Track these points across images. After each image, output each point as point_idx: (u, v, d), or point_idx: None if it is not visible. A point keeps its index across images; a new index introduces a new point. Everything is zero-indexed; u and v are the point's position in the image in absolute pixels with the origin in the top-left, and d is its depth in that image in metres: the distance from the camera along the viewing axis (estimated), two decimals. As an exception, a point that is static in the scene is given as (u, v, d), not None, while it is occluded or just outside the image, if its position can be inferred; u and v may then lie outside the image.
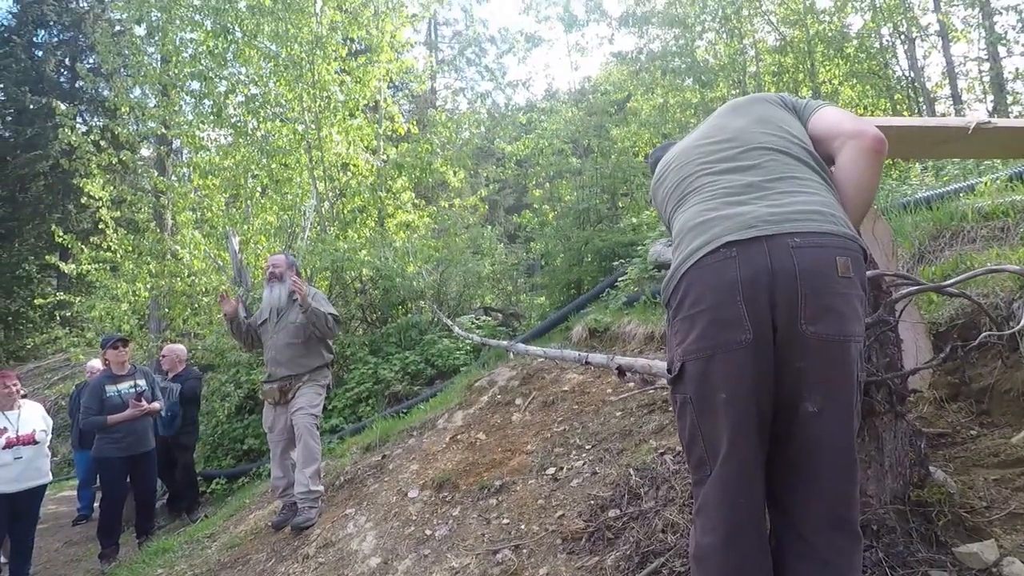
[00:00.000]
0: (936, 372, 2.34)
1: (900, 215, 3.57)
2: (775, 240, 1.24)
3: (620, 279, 5.70)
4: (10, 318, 18.33)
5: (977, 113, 10.22)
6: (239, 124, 9.46)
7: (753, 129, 1.49)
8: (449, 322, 7.18)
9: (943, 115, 10.06)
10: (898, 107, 9.97)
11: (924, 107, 9.85)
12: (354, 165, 9.70)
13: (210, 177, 9.86)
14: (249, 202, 9.79)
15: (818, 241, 1.24)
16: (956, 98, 10.06)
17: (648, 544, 2.03)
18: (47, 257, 13.00)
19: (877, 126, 1.46)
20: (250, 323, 4.27)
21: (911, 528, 1.62)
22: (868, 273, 1.35)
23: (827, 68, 10.22)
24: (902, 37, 9.94)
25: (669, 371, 1.38)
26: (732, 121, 1.55)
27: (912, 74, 9.96)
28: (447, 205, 10.74)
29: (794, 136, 1.47)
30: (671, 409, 1.47)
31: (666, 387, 3.39)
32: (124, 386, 5.03)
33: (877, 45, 10.24)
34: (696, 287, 1.29)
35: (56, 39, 20.76)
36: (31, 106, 18.64)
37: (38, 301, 13.05)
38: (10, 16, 20.23)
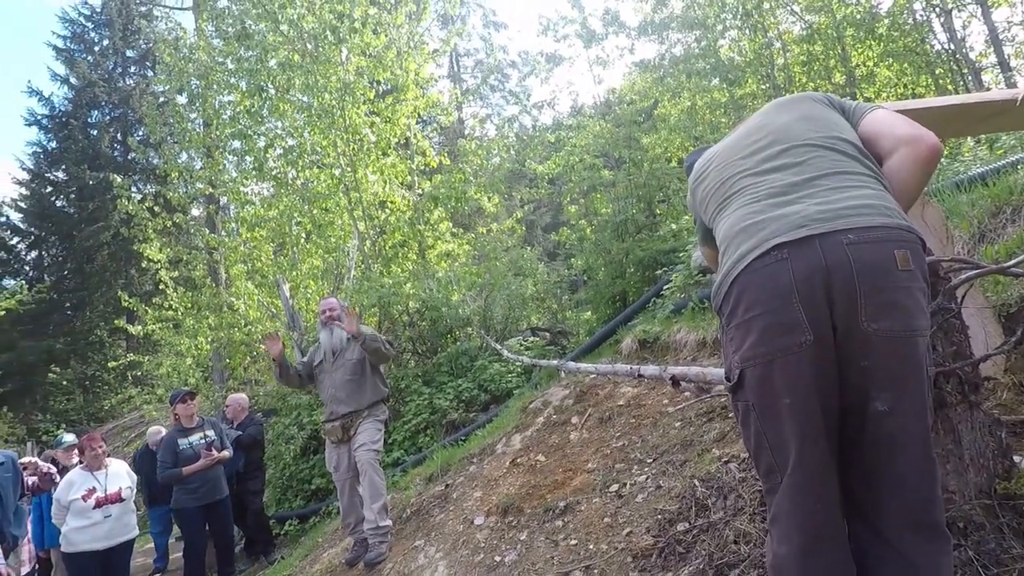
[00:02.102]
0: (1011, 356, 2.22)
1: (953, 195, 3.42)
2: (828, 238, 1.20)
3: (665, 287, 5.64)
4: (87, 382, 19.40)
5: (1024, 80, 9.71)
6: (279, 175, 9.87)
7: (797, 127, 1.45)
8: (498, 346, 7.22)
9: (989, 86, 9.59)
10: (940, 82, 9.59)
11: (970, 79, 9.43)
12: (391, 202, 9.96)
13: (257, 229, 10.29)
14: (295, 249, 10.15)
15: (874, 236, 1.21)
16: (1004, 65, 9.57)
17: (721, 556, 1.98)
18: (116, 321, 13.82)
19: (916, 108, 1.43)
20: (302, 363, 4.41)
21: (1001, 523, 1.53)
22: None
23: (859, 51, 9.94)
24: (937, 10, 9.59)
25: (727, 379, 1.34)
26: (774, 119, 1.51)
27: (952, 46, 9.57)
28: (485, 231, 10.88)
29: (840, 132, 1.42)
30: (733, 417, 1.46)
31: (723, 394, 3.32)
32: (195, 438, 5.26)
33: (911, 21, 9.90)
34: (749, 292, 1.26)
35: (108, 117, 22.18)
36: (91, 182, 19.91)
37: (111, 364, 13.81)
38: (66, 102, 21.77)
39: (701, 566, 2.03)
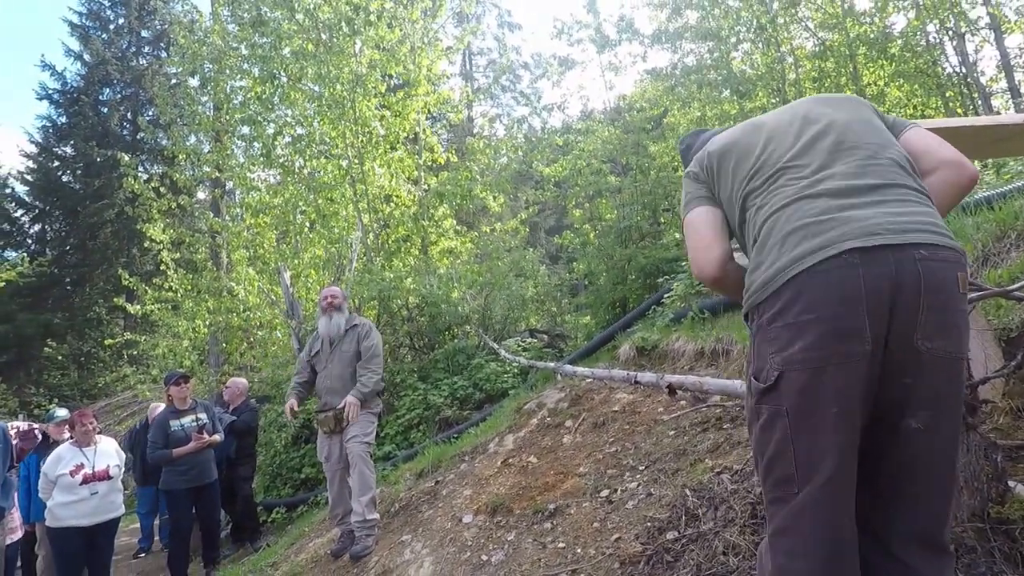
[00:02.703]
0: (1010, 381, 2.21)
1: (959, 216, 3.42)
2: (901, 251, 1.17)
3: (666, 296, 5.63)
4: (83, 358, 19.39)
5: (1037, 106, 9.71)
6: (287, 163, 9.88)
7: (857, 128, 1.39)
8: (495, 346, 7.21)
9: (999, 111, 9.60)
10: (950, 104, 9.60)
11: (980, 103, 9.43)
12: (397, 196, 9.97)
13: (261, 215, 10.30)
14: (298, 237, 10.15)
15: (941, 255, 1.19)
16: (1014, 91, 9.59)
17: (709, 567, 1.97)
18: (115, 299, 13.78)
19: (929, 128, 1.42)
20: (303, 361, 4.40)
21: (993, 547, 1.53)
22: None
23: (871, 70, 9.94)
24: (950, 33, 9.59)
25: (757, 379, 1.26)
26: (831, 113, 1.43)
27: (963, 70, 9.58)
28: (488, 230, 10.89)
29: (895, 145, 1.39)
30: (749, 421, 1.31)
31: (719, 404, 3.31)
32: (187, 420, 5.24)
33: (923, 43, 9.91)
34: (809, 294, 1.18)
35: (119, 95, 22.20)
36: (98, 159, 19.93)
37: (108, 342, 13.82)
38: (79, 78, 21.79)
39: (689, 575, 2.02)
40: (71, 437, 4.84)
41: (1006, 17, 9.61)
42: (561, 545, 2.75)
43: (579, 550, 2.63)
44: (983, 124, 2.32)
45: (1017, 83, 9.56)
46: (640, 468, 3.14)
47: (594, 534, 2.71)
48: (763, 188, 1.37)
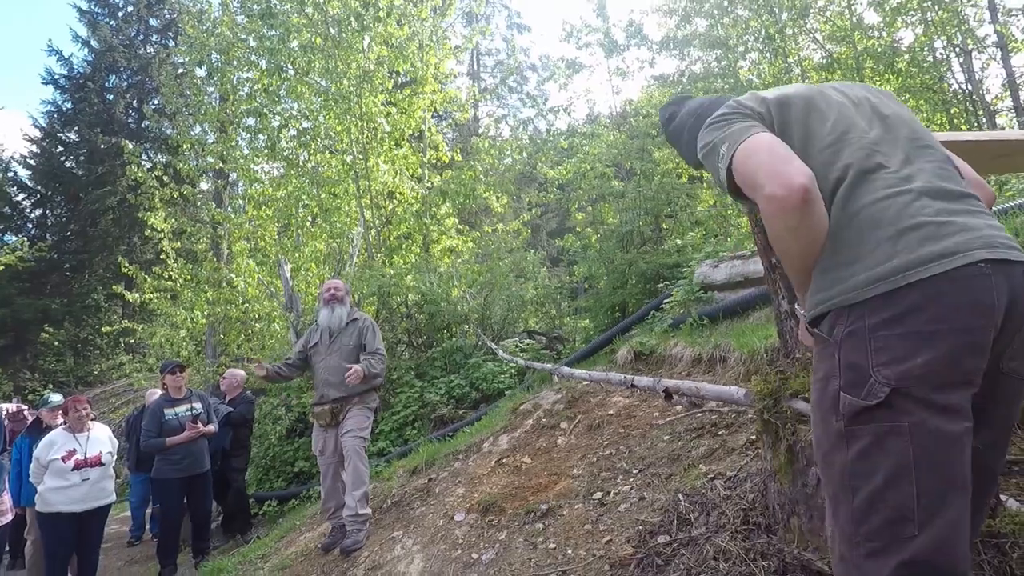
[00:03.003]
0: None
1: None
2: (1013, 267, 1.09)
3: (666, 301, 5.63)
4: (79, 345, 19.36)
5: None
6: (291, 156, 9.89)
7: (919, 126, 1.29)
8: (493, 345, 7.21)
9: (1003, 128, 9.63)
10: (955, 120, 9.62)
11: (984, 120, 9.46)
12: (400, 193, 9.98)
13: (263, 208, 10.31)
14: (300, 231, 10.16)
15: None
16: (1019, 110, 9.62)
17: (699, 572, 1.97)
18: (114, 287, 13.76)
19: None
20: (298, 351, 4.39)
21: (983, 560, 1.53)
22: None
23: (877, 84, 9.97)
24: (957, 50, 9.62)
25: (853, 395, 1.07)
26: (887, 102, 1.33)
27: (970, 87, 9.60)
28: (490, 230, 10.89)
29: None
30: (826, 450, 1.11)
31: (715, 410, 3.31)
32: (181, 409, 5.24)
33: (930, 59, 9.94)
34: (943, 301, 1.04)
35: (125, 83, 22.19)
36: (102, 146, 19.91)
37: (105, 329, 13.81)
38: (85, 64, 21.80)
39: (678, 579, 2.02)
40: (64, 423, 4.83)
41: (1013, 36, 9.64)
42: (552, 546, 2.74)
43: (570, 551, 2.63)
44: (985, 139, 2.33)
45: (1022, 102, 9.58)
46: (634, 472, 3.14)
47: (585, 536, 2.71)
48: (836, 166, 1.20)
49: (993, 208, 1.47)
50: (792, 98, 1.31)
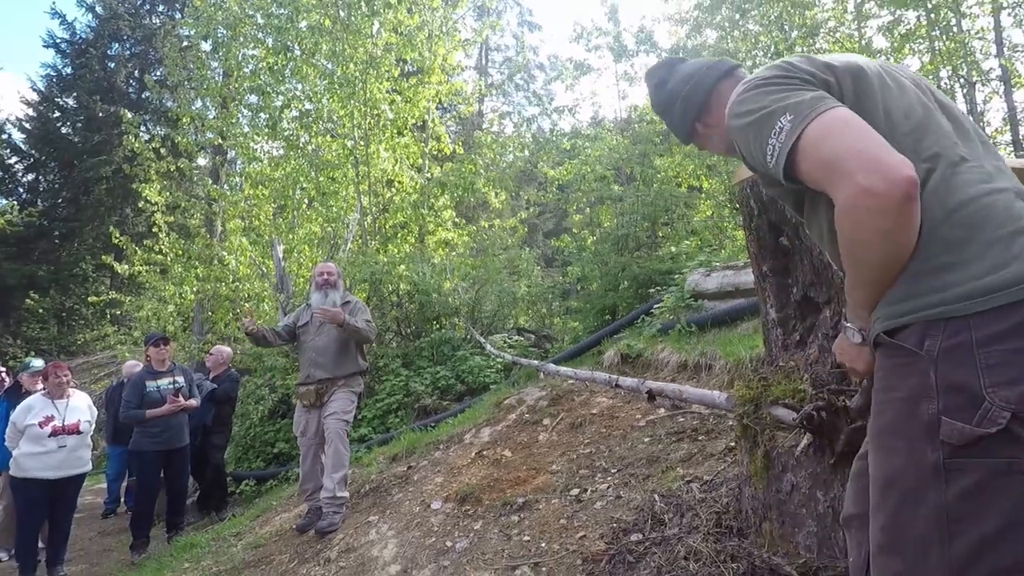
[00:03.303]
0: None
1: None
2: None
3: (656, 306, 5.66)
4: (64, 314, 19.21)
5: (1037, 157, 9.86)
6: (292, 137, 9.84)
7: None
8: (482, 340, 7.22)
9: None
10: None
11: (982, 151, 9.55)
12: (399, 182, 9.96)
13: (260, 187, 10.25)
14: (295, 213, 10.11)
15: None
16: (1017, 144, 9.74)
17: (669, 570, 1.99)
18: (103, 257, 13.64)
19: None
20: (286, 325, 4.37)
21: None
22: None
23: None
24: (962, 80, 9.71)
25: (960, 420, 0.88)
26: (938, 92, 1.17)
27: (971, 119, 9.71)
28: (487, 225, 10.89)
29: None
30: (911, 484, 0.93)
31: (697, 413, 3.34)
32: (163, 382, 5.20)
33: (935, 87, 10.03)
34: None
35: (128, 52, 22.00)
36: (100, 114, 19.73)
37: (92, 299, 13.68)
38: (88, 30, 21.58)
39: (649, 577, 2.03)
40: (44, 388, 4.79)
41: (1017, 71, 9.75)
42: (526, 538, 2.75)
43: (543, 544, 2.64)
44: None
45: (1021, 137, 9.69)
46: (612, 471, 3.16)
47: (560, 530, 2.72)
48: (925, 151, 1.02)
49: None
50: (865, 69, 1.09)
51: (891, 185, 0.88)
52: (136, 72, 21.71)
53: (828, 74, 1.07)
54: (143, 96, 20.72)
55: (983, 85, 9.90)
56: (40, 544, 4.75)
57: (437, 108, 11.07)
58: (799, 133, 0.97)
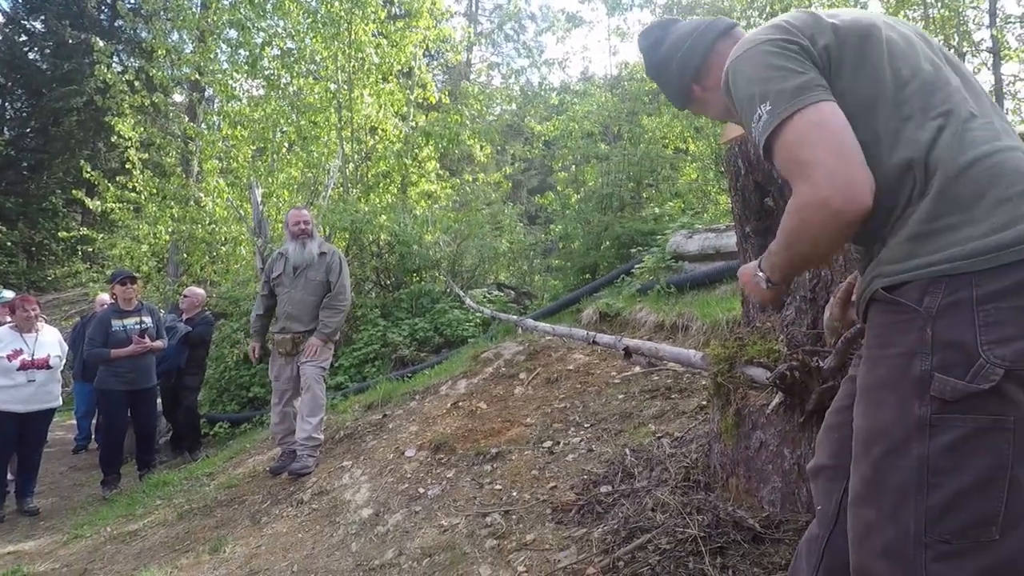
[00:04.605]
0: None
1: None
2: None
3: (636, 267, 5.68)
4: (33, 248, 18.65)
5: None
6: (272, 77, 9.47)
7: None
8: (461, 293, 7.21)
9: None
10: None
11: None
12: (382, 130, 9.69)
13: (239, 127, 9.90)
14: (275, 156, 9.82)
15: None
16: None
17: (636, 520, 2.04)
18: (74, 192, 13.16)
19: None
20: (264, 304, 4.34)
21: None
22: None
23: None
24: (952, 51, 9.68)
25: (953, 376, 0.89)
26: (954, 62, 1.14)
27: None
28: (471, 179, 10.72)
29: None
30: (900, 438, 0.93)
31: (672, 371, 3.38)
32: (130, 322, 5.08)
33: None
34: None
35: (100, -25, 20.81)
36: (70, 40, 18.71)
37: (62, 234, 13.29)
38: (56, -51, 20.28)
39: (616, 527, 2.09)
40: (11, 321, 4.69)
41: (1007, 43, 9.73)
42: (498, 487, 2.81)
43: (515, 493, 2.70)
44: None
45: (1007, 110, 9.75)
46: (585, 425, 3.21)
47: (531, 480, 2.77)
48: (916, 115, 1.01)
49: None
50: (872, 28, 1.08)
51: (847, 203, 0.92)
52: (108, -3, 20.58)
53: (824, 36, 1.07)
54: (116, 24, 19.64)
55: (973, 56, 9.88)
56: (9, 476, 4.73)
57: (424, 55, 10.71)
58: (775, 126, 0.99)
